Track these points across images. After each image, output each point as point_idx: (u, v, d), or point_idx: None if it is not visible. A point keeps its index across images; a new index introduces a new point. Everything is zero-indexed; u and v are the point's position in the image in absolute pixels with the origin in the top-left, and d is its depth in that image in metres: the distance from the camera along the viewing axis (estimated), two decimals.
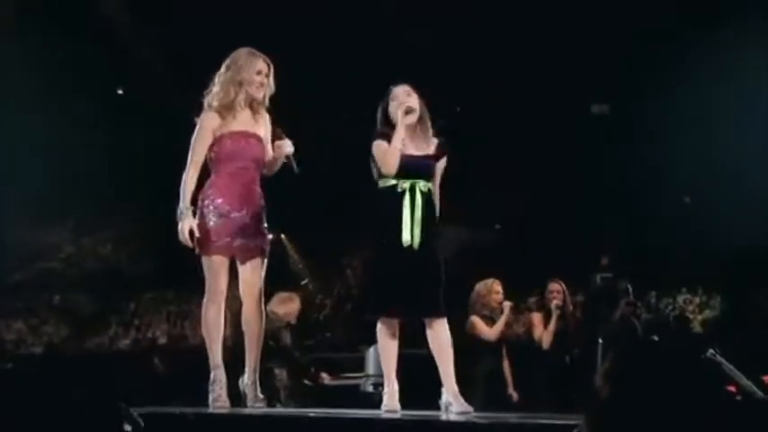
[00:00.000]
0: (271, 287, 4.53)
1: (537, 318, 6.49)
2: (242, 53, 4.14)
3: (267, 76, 4.14)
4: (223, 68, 4.13)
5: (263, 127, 4.20)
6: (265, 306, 4.25)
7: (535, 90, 8.12)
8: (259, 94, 4.12)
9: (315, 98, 7.82)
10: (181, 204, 4.00)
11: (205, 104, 4.13)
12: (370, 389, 6.71)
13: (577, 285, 7.68)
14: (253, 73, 4.09)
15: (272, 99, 4.21)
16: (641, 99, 8.12)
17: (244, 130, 4.11)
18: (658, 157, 8.07)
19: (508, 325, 6.59)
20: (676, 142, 7.88)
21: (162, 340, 9.81)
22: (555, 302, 6.36)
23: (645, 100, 8.08)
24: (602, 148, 8.63)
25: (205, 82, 4.17)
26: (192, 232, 3.97)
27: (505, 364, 6.37)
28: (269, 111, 4.21)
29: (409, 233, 3.94)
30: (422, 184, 4.03)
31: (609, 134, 8.52)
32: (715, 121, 7.70)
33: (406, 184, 4.02)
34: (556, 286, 6.47)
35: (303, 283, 9.49)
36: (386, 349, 4.07)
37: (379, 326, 4.07)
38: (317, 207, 9.05)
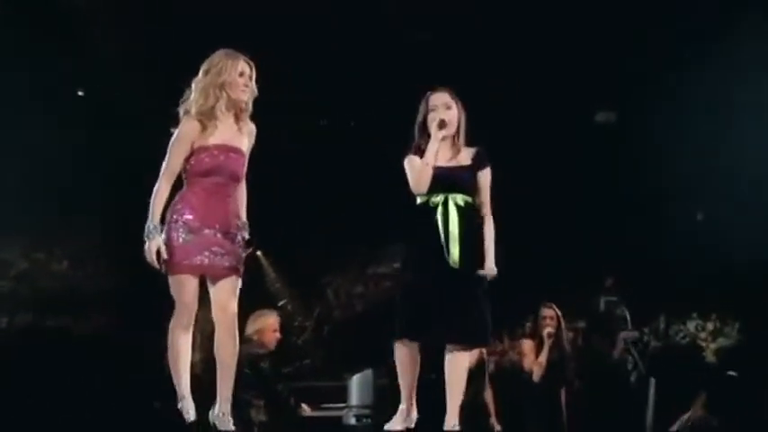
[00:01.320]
0: (247, 309, 4.52)
1: (528, 346, 6.45)
2: (221, 55, 4.11)
3: (250, 78, 4.12)
4: (201, 73, 4.09)
5: (246, 138, 4.17)
6: (242, 330, 4.23)
7: (534, 96, 8.15)
8: (243, 98, 4.10)
9: (298, 106, 7.84)
10: (149, 221, 3.95)
11: (182, 112, 4.10)
12: (353, 421, 6.69)
13: (579, 309, 7.68)
14: (235, 75, 4.06)
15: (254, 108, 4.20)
16: (650, 106, 8.16)
17: (224, 144, 4.07)
18: (668, 170, 8.09)
19: (500, 353, 6.57)
20: (689, 154, 7.91)
21: None
22: (547, 330, 6.33)
23: (654, 107, 8.12)
24: (607, 159, 8.65)
25: (177, 86, 4.14)
26: (159, 253, 3.95)
27: (487, 393, 6.34)
28: (252, 119, 4.20)
29: (443, 252, 3.94)
30: (458, 198, 4.04)
31: (615, 144, 8.54)
32: (731, 132, 7.74)
33: (439, 198, 4.04)
34: (548, 312, 6.43)
35: (281, 304, 9.45)
36: (405, 376, 4.09)
37: (397, 346, 4.08)
38: (296, 222, 9.03)
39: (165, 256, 3.95)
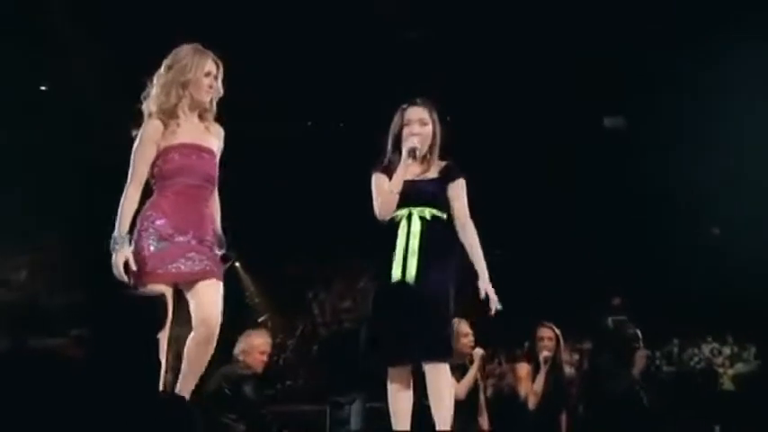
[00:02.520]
0: (224, 325, 4.45)
1: (524, 370, 6.34)
2: (187, 50, 4.06)
3: (216, 78, 4.08)
4: (163, 68, 4.05)
5: (215, 138, 4.12)
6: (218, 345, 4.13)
7: (539, 100, 8.13)
8: (206, 99, 4.06)
9: (283, 108, 7.79)
10: (116, 231, 3.88)
11: (145, 111, 4.04)
12: None
13: (585, 330, 7.62)
14: (201, 74, 4.02)
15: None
16: (661, 111, 8.14)
17: (193, 143, 4.02)
18: (683, 182, 8.08)
19: (498, 375, 6.49)
20: (704, 164, 7.90)
21: None
22: (544, 354, 6.23)
23: (665, 112, 8.10)
24: (616, 168, 8.63)
25: (144, 83, 4.07)
26: (127, 265, 3.85)
27: (483, 419, 6.25)
28: (218, 119, 4.13)
29: (400, 266, 4.00)
30: (425, 211, 4.08)
31: (624, 152, 8.52)
32: (750, 141, 7.72)
33: (404, 212, 4.10)
34: (546, 332, 6.30)
35: (261, 320, 9.40)
36: (395, 402, 4.11)
37: (389, 374, 4.10)
38: (279, 230, 8.98)
39: (133, 267, 3.87)
